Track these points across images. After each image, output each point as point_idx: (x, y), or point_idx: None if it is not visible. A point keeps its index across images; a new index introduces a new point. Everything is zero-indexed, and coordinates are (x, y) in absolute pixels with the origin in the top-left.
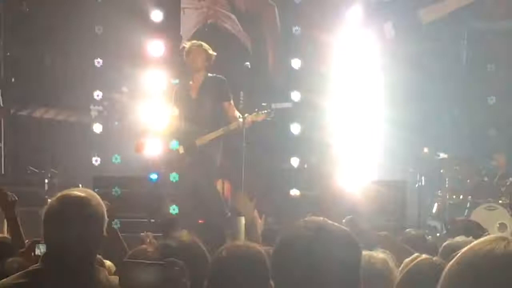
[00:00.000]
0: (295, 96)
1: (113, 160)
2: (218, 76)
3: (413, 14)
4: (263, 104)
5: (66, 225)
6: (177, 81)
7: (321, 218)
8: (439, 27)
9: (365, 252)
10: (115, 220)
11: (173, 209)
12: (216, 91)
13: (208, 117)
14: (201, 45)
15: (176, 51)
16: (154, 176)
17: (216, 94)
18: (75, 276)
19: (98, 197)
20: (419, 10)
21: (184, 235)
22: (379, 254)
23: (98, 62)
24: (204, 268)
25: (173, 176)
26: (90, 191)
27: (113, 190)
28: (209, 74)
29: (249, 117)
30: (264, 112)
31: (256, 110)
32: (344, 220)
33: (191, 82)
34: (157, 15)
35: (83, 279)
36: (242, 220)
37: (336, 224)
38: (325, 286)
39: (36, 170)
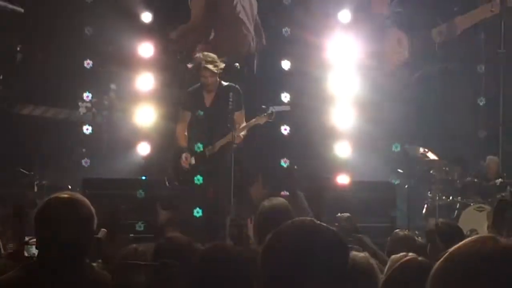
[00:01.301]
0: (285, 97)
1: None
2: (232, 85)
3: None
4: (263, 106)
5: (59, 226)
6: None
7: (309, 218)
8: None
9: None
10: (139, 223)
11: (197, 212)
12: (230, 101)
13: (219, 127)
14: (212, 62)
15: (165, 52)
16: (144, 179)
17: (230, 104)
18: (68, 276)
19: (86, 199)
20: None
21: (178, 236)
22: (360, 253)
23: (88, 63)
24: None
25: (197, 179)
26: (78, 194)
27: (138, 192)
28: (223, 83)
29: (252, 122)
30: (266, 115)
31: (258, 113)
32: (339, 215)
33: (204, 92)
34: (146, 17)
35: (75, 278)
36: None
37: (323, 224)
38: (312, 283)
39: (26, 172)
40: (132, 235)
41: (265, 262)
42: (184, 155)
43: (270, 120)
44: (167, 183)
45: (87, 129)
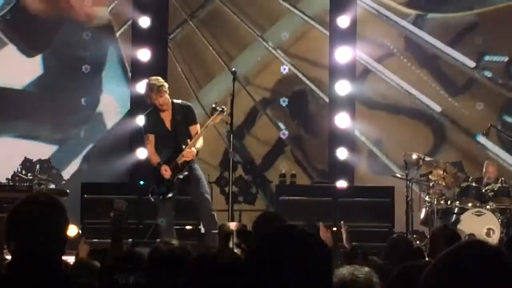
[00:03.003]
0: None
1: None
2: (184, 103)
3: None
4: (213, 105)
5: (33, 227)
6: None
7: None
8: None
9: (349, 267)
10: (161, 219)
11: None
12: (186, 119)
13: (182, 143)
14: (164, 84)
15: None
16: (141, 183)
17: (186, 121)
18: (43, 278)
19: (58, 198)
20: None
21: (173, 241)
22: (363, 267)
23: (86, 68)
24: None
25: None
26: (52, 195)
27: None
28: (175, 101)
29: (207, 123)
30: (218, 113)
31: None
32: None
33: (161, 114)
34: (144, 21)
35: (50, 280)
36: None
37: (304, 229)
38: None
39: (24, 176)
40: (130, 240)
41: (249, 267)
42: (163, 168)
43: (223, 117)
44: (151, 197)
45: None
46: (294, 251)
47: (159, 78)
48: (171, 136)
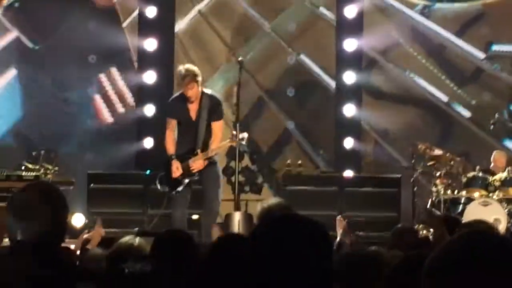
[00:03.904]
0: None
1: None
2: (213, 96)
3: None
4: (233, 132)
5: (32, 215)
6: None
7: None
8: None
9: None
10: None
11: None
12: (211, 113)
13: (201, 137)
14: (196, 74)
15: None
16: (147, 172)
17: (211, 116)
18: (43, 265)
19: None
20: None
21: (179, 230)
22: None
23: (93, 58)
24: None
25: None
26: (51, 184)
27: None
28: (205, 91)
29: (225, 143)
30: (239, 140)
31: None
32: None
33: (188, 103)
34: (151, 11)
35: (51, 268)
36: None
37: (305, 216)
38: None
39: (30, 166)
40: (136, 228)
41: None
42: (174, 165)
43: (243, 143)
44: (158, 186)
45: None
46: (297, 238)
47: (195, 68)
48: (194, 126)
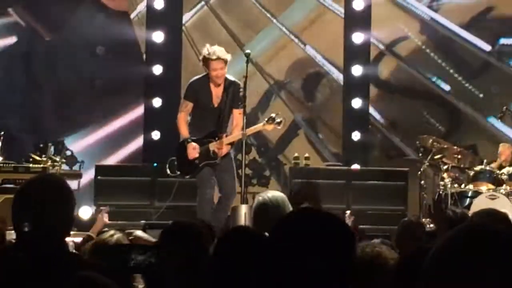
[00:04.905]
0: None
1: None
2: (237, 82)
3: None
4: (272, 115)
5: (39, 207)
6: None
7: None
8: None
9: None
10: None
11: None
12: (233, 100)
13: (222, 124)
14: (225, 55)
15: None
16: (155, 165)
17: (233, 102)
18: (48, 257)
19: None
20: None
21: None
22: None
23: (100, 49)
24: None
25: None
26: (58, 176)
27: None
28: (228, 77)
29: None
30: (275, 123)
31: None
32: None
33: (212, 85)
34: (159, 3)
35: (56, 260)
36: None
37: (327, 211)
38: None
39: (37, 158)
40: (143, 221)
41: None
42: (191, 145)
43: (278, 128)
44: (168, 171)
45: None
46: (316, 230)
47: (223, 49)
48: (215, 113)
